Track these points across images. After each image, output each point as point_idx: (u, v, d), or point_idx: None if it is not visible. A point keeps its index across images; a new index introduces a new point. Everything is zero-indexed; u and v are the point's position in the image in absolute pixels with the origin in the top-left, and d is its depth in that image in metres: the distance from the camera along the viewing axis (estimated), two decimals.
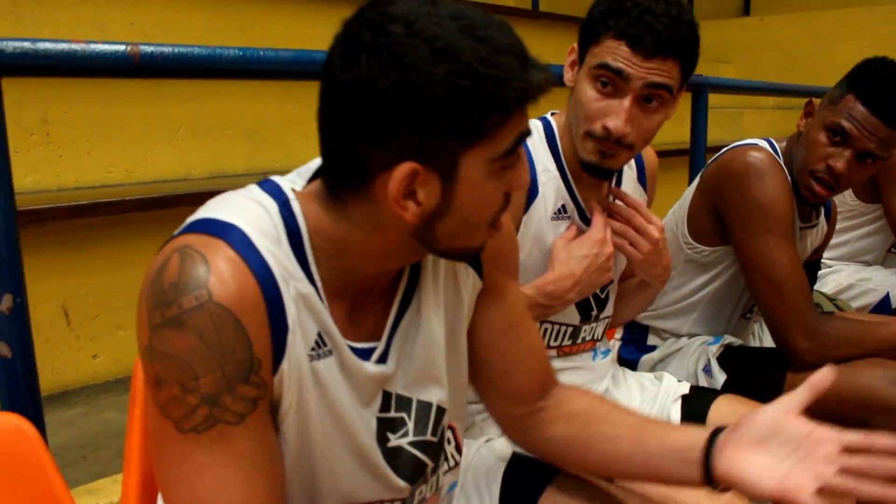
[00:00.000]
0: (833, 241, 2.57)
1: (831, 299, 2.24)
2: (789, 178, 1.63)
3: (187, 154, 2.96)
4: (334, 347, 0.83)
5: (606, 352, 1.47)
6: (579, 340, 1.39)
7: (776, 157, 1.62)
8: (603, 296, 1.40)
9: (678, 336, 1.75)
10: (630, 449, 0.98)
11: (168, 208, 2.50)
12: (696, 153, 2.72)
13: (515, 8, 5.68)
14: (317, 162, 0.88)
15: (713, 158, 1.70)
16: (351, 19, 0.77)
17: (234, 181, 2.82)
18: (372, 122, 0.74)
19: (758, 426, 0.87)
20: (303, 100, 3.32)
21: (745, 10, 8.31)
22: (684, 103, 2.82)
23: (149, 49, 1.28)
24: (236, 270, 0.74)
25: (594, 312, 1.39)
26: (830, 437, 0.84)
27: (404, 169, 0.74)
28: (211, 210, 0.80)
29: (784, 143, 1.71)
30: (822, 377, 0.87)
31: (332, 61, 0.76)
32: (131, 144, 2.81)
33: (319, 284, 0.81)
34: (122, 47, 1.25)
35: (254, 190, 0.83)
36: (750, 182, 1.56)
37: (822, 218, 1.86)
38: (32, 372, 1.21)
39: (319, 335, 0.82)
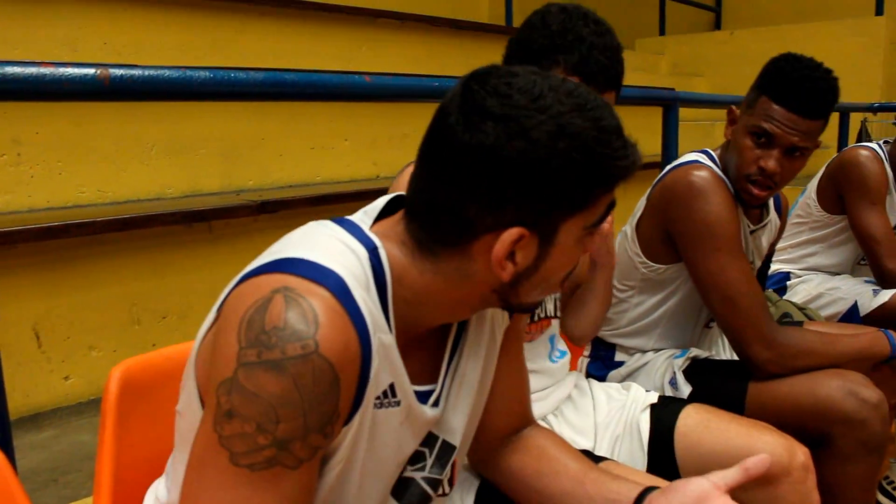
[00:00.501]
0: (802, 252, 2.61)
1: (801, 308, 2.27)
2: (730, 187, 1.67)
3: (161, 173, 2.96)
4: (403, 397, 0.85)
5: (563, 352, 1.49)
6: (535, 318, 1.40)
7: (717, 170, 1.65)
8: None
9: (644, 352, 1.78)
10: (570, 488, 1.03)
11: (141, 228, 2.49)
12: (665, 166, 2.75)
13: (490, 24, 5.74)
14: (383, 201, 0.90)
15: (658, 178, 1.72)
16: (473, 83, 0.79)
17: (209, 200, 2.84)
18: (490, 186, 0.77)
19: (685, 495, 0.89)
20: (277, 118, 3.34)
21: (717, 25, 8.42)
22: (656, 117, 2.87)
23: (118, 72, 1.28)
24: (341, 323, 0.73)
25: None
26: None
27: (513, 233, 0.78)
28: (303, 249, 0.78)
29: (719, 152, 1.74)
30: (757, 462, 0.89)
31: (452, 122, 0.78)
32: (104, 164, 2.80)
33: (394, 332, 0.82)
34: (91, 70, 1.24)
35: (337, 231, 0.83)
36: (694, 203, 1.58)
37: (773, 213, 1.89)
38: (0, 395, 1.20)
39: (391, 386, 0.83)
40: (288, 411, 0.70)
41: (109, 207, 2.73)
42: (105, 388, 1.02)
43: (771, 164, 1.60)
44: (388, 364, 0.81)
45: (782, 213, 1.98)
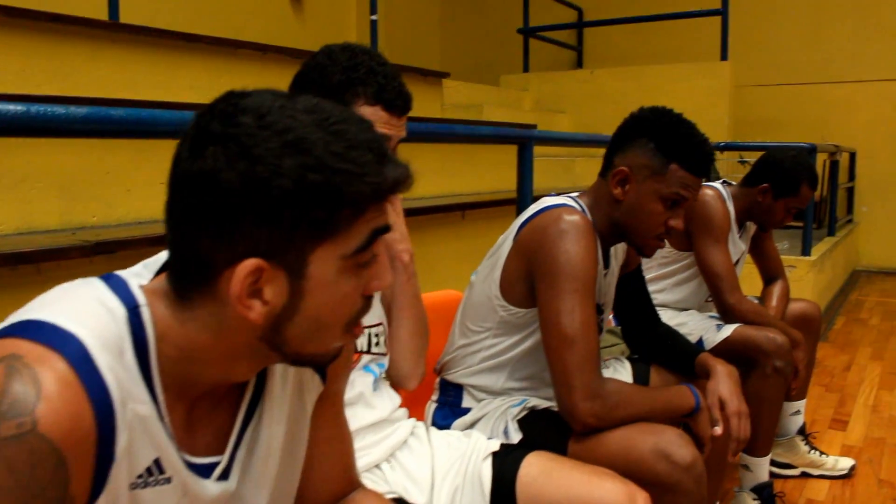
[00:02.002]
0: (651, 288, 2.68)
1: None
2: (597, 236, 1.69)
3: None
4: (175, 473, 0.76)
5: (382, 365, 1.46)
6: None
7: (588, 218, 1.67)
8: None
9: (493, 393, 1.75)
10: None
11: None
12: (522, 203, 2.77)
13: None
14: (165, 254, 0.81)
15: (526, 219, 1.72)
16: (204, 110, 0.74)
17: (39, 239, 2.64)
18: (215, 215, 0.70)
19: None
20: (124, 150, 3.18)
21: (579, 64, 8.73)
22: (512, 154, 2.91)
23: None
24: (71, 396, 0.65)
25: None
26: None
27: (248, 265, 0.71)
28: (47, 309, 0.70)
29: (587, 199, 1.77)
30: None
31: (180, 152, 0.73)
32: None
33: (161, 398, 0.74)
34: None
35: (99, 287, 0.75)
36: (563, 245, 1.58)
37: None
38: None
39: (157, 461, 0.74)
40: (3, 500, 0.61)
41: None
42: None
43: (680, 223, 1.69)
44: (146, 437, 0.72)
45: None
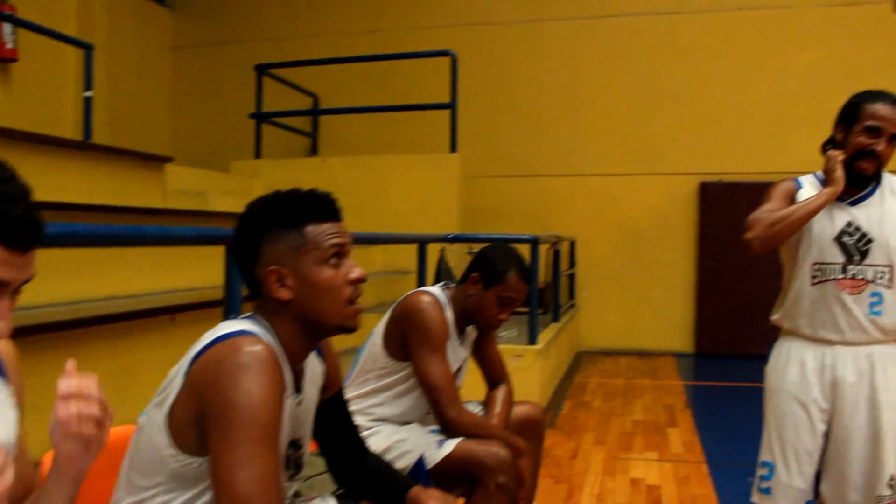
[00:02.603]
0: (370, 402, 2.48)
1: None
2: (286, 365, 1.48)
3: None
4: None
5: None
6: None
7: (272, 347, 1.42)
8: None
9: None
10: None
11: None
12: (230, 310, 2.49)
13: (67, 139, 5.15)
14: None
15: (200, 349, 1.42)
16: None
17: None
18: None
19: None
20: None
21: (314, 151, 8.64)
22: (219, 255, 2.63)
23: None
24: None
25: None
26: None
27: None
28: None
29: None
30: None
31: None
32: None
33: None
34: None
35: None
36: (241, 383, 1.33)
37: (316, 357, 1.69)
38: None
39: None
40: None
41: None
42: None
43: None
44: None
45: (325, 355, 1.75)
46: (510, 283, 2.50)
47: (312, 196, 1.55)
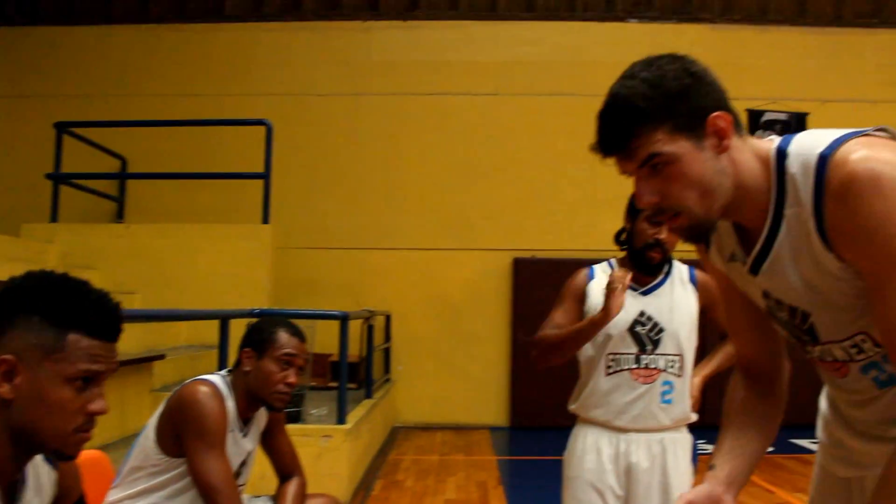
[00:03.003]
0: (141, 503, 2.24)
1: None
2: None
3: None
4: None
5: None
6: None
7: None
8: None
9: None
10: None
11: None
12: None
13: None
14: None
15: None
16: None
17: None
18: None
19: None
20: None
21: (119, 216, 8.16)
22: None
23: None
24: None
25: None
26: None
27: None
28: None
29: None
30: None
31: None
32: None
33: None
34: None
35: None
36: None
37: (46, 464, 1.47)
38: None
39: None
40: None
41: None
42: None
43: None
44: None
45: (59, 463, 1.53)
46: (282, 341, 2.39)
47: (97, 301, 1.32)
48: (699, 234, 1.30)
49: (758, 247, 1.29)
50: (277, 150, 6.96)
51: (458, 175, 8.63)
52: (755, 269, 1.32)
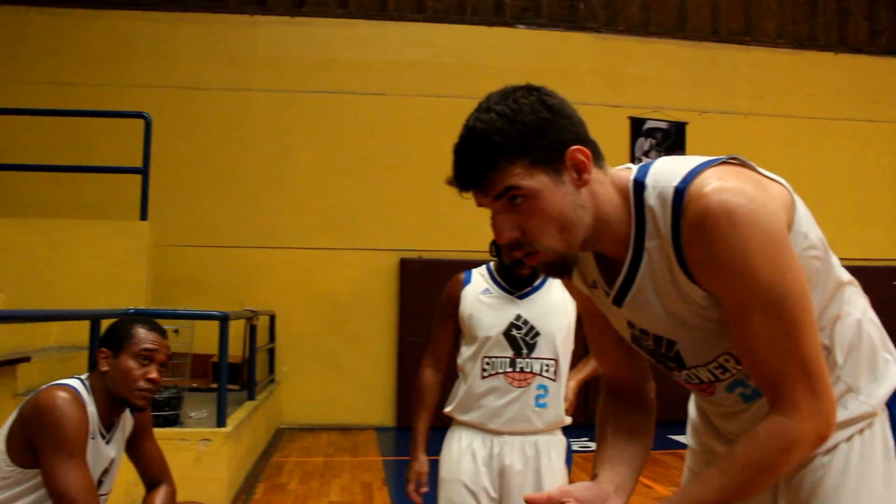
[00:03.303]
0: None
1: None
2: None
3: None
4: None
5: None
6: None
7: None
8: None
9: None
10: None
11: None
12: None
13: None
14: None
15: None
16: None
17: None
18: None
19: None
20: None
21: None
22: None
23: None
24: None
25: None
26: None
27: None
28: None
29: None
30: None
31: None
32: None
33: None
34: None
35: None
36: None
37: None
38: None
39: None
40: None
41: None
42: None
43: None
44: None
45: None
46: (138, 336, 2.29)
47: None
48: (560, 268, 1.29)
49: (620, 279, 1.29)
50: (159, 144, 6.70)
51: (345, 174, 8.56)
52: (618, 302, 1.32)
